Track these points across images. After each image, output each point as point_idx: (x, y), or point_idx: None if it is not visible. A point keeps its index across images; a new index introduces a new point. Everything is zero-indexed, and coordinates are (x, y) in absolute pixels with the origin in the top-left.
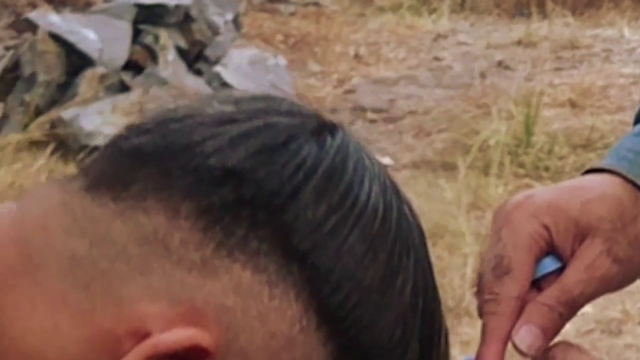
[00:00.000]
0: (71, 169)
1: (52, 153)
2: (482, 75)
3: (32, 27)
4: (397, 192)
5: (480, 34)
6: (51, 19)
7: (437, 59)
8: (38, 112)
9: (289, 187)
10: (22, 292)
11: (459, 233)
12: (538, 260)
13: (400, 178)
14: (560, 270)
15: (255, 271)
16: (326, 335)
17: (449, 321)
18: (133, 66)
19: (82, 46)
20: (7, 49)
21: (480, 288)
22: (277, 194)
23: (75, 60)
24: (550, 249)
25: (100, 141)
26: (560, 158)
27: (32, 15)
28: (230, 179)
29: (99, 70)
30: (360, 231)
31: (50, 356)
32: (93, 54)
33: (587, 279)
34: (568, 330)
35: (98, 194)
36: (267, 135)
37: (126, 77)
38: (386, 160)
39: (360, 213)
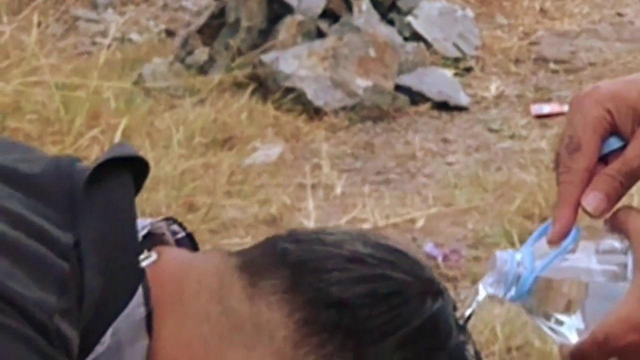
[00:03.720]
0: (269, 108)
1: (252, 93)
2: None
3: None
4: None
5: None
6: None
7: (619, 14)
8: (241, 56)
9: (379, 331)
10: (165, 320)
11: None
12: (604, 140)
13: None
14: (622, 148)
15: None
16: None
17: None
18: (329, 15)
19: None
20: None
21: (557, 164)
22: (368, 333)
23: (276, 8)
24: (614, 131)
25: (296, 83)
26: None
27: None
28: (339, 307)
29: (298, 17)
30: None
31: None
32: (293, 2)
33: None
34: None
35: (244, 274)
36: (381, 284)
37: (323, 25)
38: (565, 108)
39: None
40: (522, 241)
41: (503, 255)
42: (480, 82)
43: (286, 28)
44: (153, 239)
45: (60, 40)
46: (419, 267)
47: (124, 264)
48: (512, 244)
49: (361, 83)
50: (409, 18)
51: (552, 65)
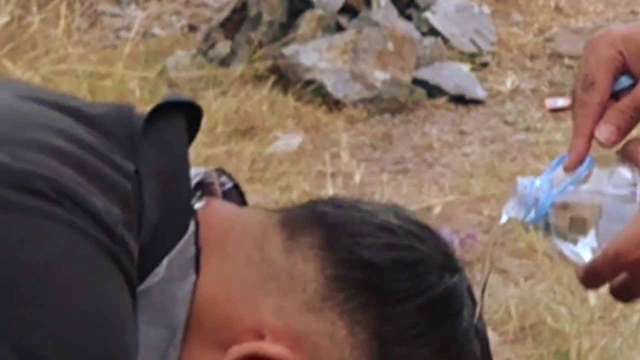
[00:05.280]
0: (289, 99)
1: (273, 85)
2: None
3: None
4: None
5: None
6: None
7: (633, 12)
8: (262, 49)
9: (402, 294)
10: (209, 260)
11: None
12: (615, 78)
13: None
14: (632, 86)
15: (349, 333)
16: None
17: None
18: (348, 10)
19: None
20: None
21: (573, 99)
22: (391, 295)
23: (297, 3)
24: (625, 70)
25: (316, 75)
26: None
27: None
28: (368, 268)
29: (318, 12)
30: (433, 351)
31: (200, 304)
32: None
33: None
34: None
35: (285, 229)
36: (407, 253)
37: (342, 19)
38: None
39: (442, 339)
40: (536, 227)
41: (524, 181)
42: (496, 76)
43: (306, 22)
44: (203, 189)
45: (85, 35)
46: (441, 244)
47: (179, 198)
48: (527, 229)
49: (379, 76)
50: (427, 14)
51: (566, 61)
